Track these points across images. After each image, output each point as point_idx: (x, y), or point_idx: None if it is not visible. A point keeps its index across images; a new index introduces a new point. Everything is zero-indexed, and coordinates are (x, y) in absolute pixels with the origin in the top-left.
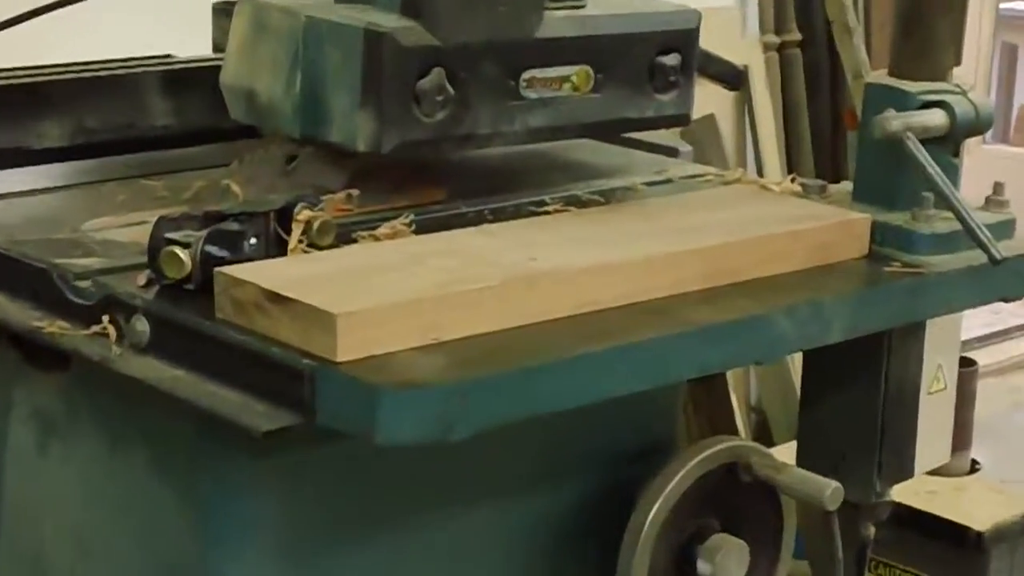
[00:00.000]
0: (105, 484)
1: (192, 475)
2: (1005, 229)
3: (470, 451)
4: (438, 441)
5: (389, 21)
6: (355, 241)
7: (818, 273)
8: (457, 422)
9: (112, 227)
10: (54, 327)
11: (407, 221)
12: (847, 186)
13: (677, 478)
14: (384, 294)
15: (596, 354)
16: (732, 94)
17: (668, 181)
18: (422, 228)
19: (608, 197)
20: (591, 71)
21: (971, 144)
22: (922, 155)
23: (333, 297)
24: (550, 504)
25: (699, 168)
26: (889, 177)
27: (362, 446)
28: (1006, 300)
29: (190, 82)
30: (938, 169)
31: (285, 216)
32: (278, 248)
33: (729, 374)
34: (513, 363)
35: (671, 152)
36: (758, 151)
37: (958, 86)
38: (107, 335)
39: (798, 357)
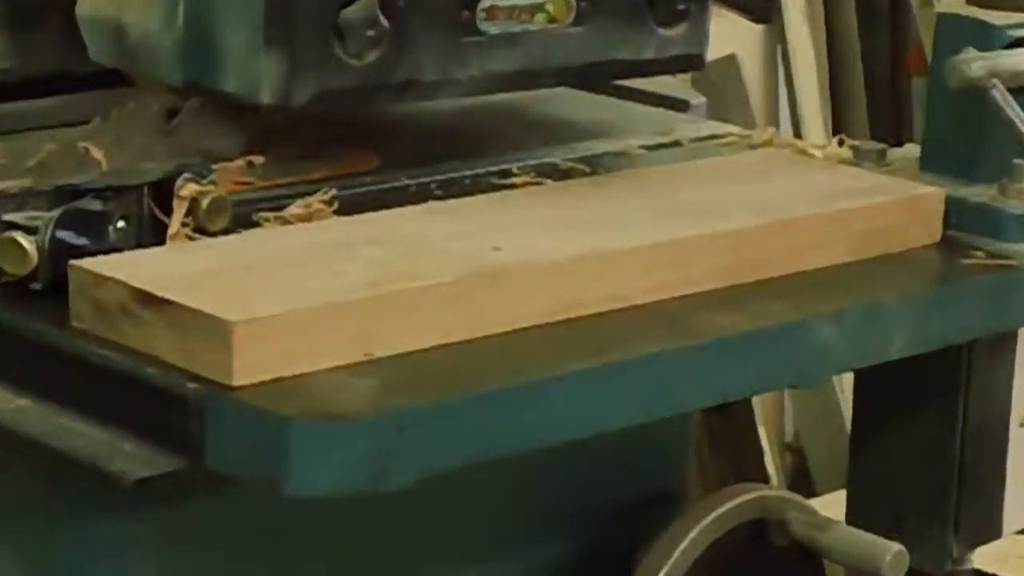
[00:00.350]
0: None
1: (46, 535)
2: None
3: (415, 503)
4: (369, 491)
5: None
6: (258, 225)
7: (875, 267)
8: (394, 466)
9: None
10: None
11: (328, 198)
12: (913, 150)
13: (688, 539)
14: (297, 296)
15: (580, 375)
16: (760, 28)
17: (675, 144)
18: (348, 207)
19: (595, 165)
20: None
21: None
22: (1012, 109)
23: (228, 299)
24: (524, 572)
25: (716, 127)
26: (968, 138)
27: (269, 497)
28: None
29: (36, 13)
30: None
31: (164, 191)
32: (154, 234)
33: (757, 401)
34: (469, 387)
35: (679, 105)
36: (795, 104)
37: None
38: None
39: (848, 379)
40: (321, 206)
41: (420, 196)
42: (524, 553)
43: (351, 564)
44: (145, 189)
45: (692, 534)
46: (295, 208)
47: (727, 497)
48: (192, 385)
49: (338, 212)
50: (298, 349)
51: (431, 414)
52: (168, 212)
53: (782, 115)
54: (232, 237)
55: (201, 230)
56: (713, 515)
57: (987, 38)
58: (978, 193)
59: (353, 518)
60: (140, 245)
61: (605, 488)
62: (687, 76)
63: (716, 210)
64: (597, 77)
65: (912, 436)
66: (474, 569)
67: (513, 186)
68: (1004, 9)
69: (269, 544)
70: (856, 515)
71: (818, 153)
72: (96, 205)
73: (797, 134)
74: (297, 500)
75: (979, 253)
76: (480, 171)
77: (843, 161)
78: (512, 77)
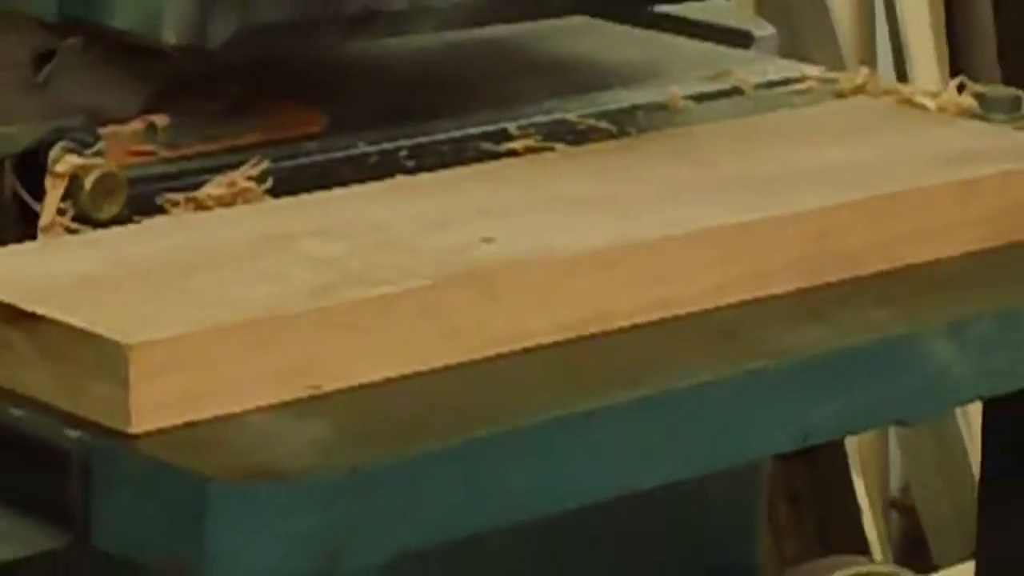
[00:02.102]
0: None
1: None
2: None
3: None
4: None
5: None
6: (163, 211)
7: (1009, 259)
8: (352, 543)
9: None
10: None
11: (257, 172)
12: None
13: None
14: (216, 309)
15: (605, 413)
16: None
17: (734, 92)
18: (285, 184)
19: (624, 123)
20: None
21: None
22: None
23: (123, 315)
24: None
25: (790, 67)
26: None
27: None
28: None
29: None
30: None
31: (33, 166)
32: (21, 225)
33: (852, 445)
34: (453, 433)
35: (739, 39)
36: (898, 35)
37: None
38: None
39: (976, 412)
40: (248, 184)
41: (383, 168)
42: None
43: None
44: (7, 164)
45: None
46: (213, 187)
47: (813, 574)
48: (74, 434)
49: (272, 191)
50: (218, 382)
51: (402, 471)
52: (39, 195)
53: (880, 50)
54: (128, 229)
55: (85, 219)
56: None
57: None
58: None
59: None
60: (2, 241)
61: (649, 568)
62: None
63: (790, 184)
64: (627, 0)
65: None
66: None
67: (512, 154)
68: None
69: None
70: None
71: (929, 103)
72: None
73: (901, 76)
74: None
75: None
76: (466, 133)
77: (964, 113)
78: (509, 2)
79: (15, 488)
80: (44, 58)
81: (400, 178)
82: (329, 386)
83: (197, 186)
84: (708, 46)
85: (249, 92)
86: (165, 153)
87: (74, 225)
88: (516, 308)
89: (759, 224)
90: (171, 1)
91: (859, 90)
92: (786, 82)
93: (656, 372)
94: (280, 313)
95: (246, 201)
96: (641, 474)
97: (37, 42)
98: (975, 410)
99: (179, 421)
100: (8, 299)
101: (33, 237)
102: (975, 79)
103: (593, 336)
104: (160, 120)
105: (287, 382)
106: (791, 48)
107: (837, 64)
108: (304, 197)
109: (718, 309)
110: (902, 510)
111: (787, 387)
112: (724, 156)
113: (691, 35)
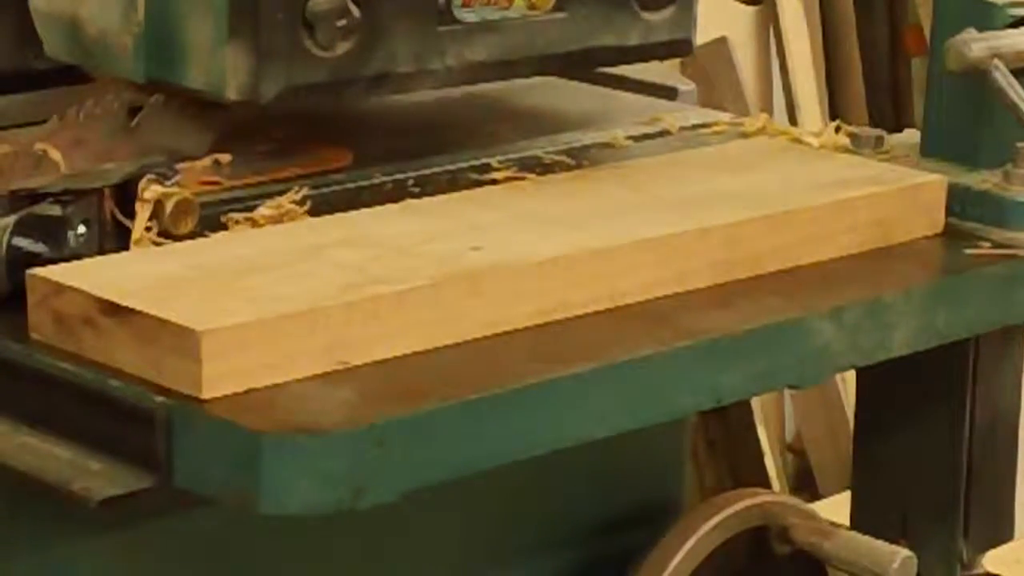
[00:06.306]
0: None
1: (7, 559)
2: None
3: (397, 520)
4: (345, 508)
5: None
6: (226, 227)
7: (875, 260)
8: (372, 482)
9: None
10: None
11: (299, 197)
12: (913, 136)
13: (685, 549)
14: (268, 303)
15: (567, 381)
16: (752, 10)
17: (664, 134)
18: (320, 207)
19: (580, 158)
20: None
21: None
22: (1015, 91)
23: (196, 308)
24: None
25: (707, 114)
26: (971, 123)
27: (241, 516)
28: None
29: None
30: None
31: (126, 194)
32: (117, 239)
33: (756, 403)
34: (451, 396)
35: (667, 93)
36: (789, 89)
37: None
38: None
39: (851, 377)
40: (292, 206)
41: (395, 194)
42: (518, 567)
43: None
44: (106, 192)
45: (689, 544)
46: (265, 209)
47: (725, 504)
48: (159, 399)
49: (310, 212)
50: (269, 359)
51: (411, 425)
52: (131, 216)
53: (776, 101)
54: (199, 241)
55: (166, 234)
56: (710, 524)
57: (988, 17)
58: (982, 180)
59: (335, 534)
60: (102, 251)
61: (599, 497)
62: (675, 62)
63: (707, 203)
64: (580, 65)
65: (919, 434)
66: None
67: (493, 181)
68: None
69: (244, 565)
70: (861, 518)
71: (814, 141)
72: (55, 210)
73: (792, 121)
74: (272, 518)
75: (984, 243)
76: (458, 166)
77: (840, 149)
78: (491, 67)
79: (114, 442)
80: (134, 111)
81: (408, 201)
82: (354, 361)
83: (252, 208)
84: (643, 98)
85: (292, 136)
86: (228, 183)
87: (158, 239)
88: (497, 300)
89: (683, 235)
90: (231, 66)
91: (760, 132)
92: (703, 126)
93: (605, 349)
94: (316, 305)
95: (290, 219)
96: (595, 427)
97: (129, 99)
98: (850, 373)
99: (239, 389)
100: (108, 296)
101: (127, 248)
102: (847, 121)
103: (556, 322)
104: (224, 158)
105: (322, 358)
106: (707, 99)
107: (743, 111)
108: (335, 216)
109: (651, 301)
110: (795, 453)
111: (705, 360)
112: (656, 182)
113: (630, 90)
